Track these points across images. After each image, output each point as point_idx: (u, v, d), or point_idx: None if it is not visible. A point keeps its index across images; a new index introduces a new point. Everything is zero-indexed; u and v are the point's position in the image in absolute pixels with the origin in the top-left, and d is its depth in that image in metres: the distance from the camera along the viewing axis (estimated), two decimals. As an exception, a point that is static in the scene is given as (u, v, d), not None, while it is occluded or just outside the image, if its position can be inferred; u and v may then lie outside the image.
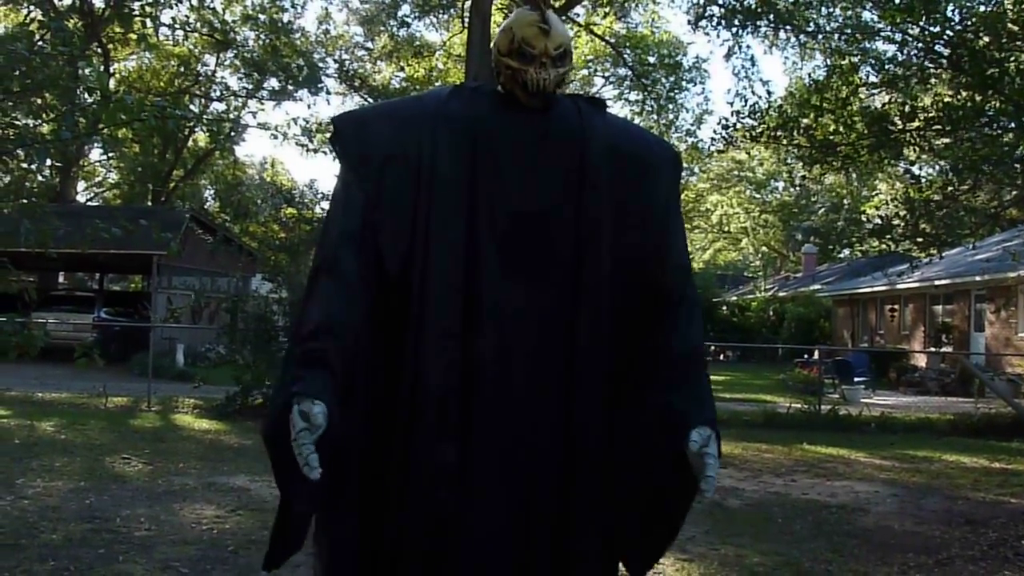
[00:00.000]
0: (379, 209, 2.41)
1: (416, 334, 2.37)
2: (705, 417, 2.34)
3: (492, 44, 2.57)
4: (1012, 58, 10.54)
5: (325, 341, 2.24)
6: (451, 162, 2.43)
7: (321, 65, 33.60)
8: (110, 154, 37.19)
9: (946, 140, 11.90)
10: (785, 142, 12.92)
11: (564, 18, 25.91)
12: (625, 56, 30.01)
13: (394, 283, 2.39)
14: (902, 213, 12.42)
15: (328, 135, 2.70)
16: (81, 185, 40.82)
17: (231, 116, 34.07)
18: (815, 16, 14.74)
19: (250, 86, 34.24)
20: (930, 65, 11.90)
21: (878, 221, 13.38)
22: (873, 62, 13.13)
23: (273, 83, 33.54)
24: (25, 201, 9.70)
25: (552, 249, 2.46)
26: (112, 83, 26.81)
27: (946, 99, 11.48)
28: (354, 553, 2.42)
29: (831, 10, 14.39)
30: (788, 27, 14.28)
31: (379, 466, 2.39)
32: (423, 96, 2.70)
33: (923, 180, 13.62)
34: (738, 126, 13.15)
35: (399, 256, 2.40)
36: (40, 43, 9.34)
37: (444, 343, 2.37)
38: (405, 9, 31.33)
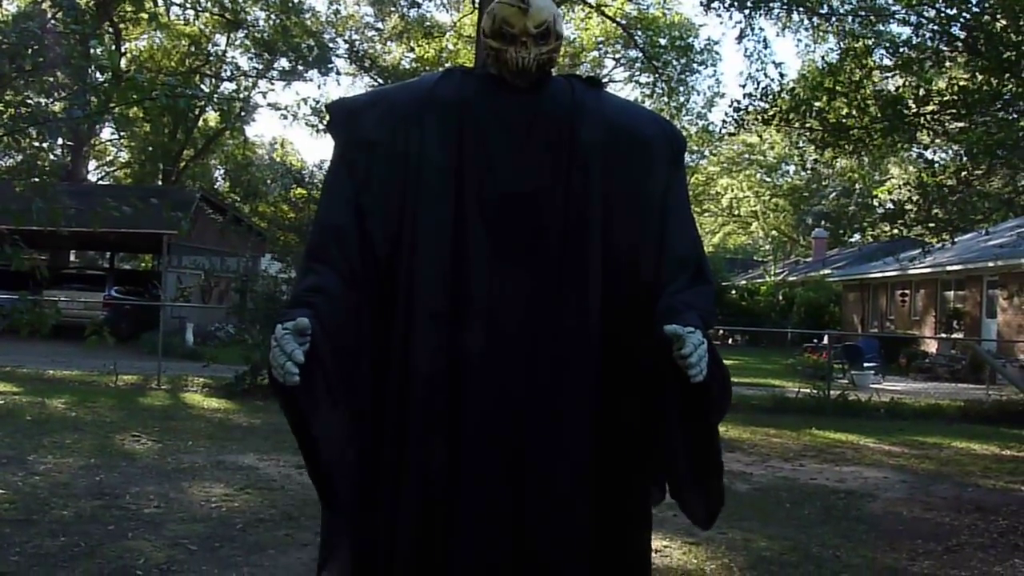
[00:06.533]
0: (368, 194, 2.40)
1: (404, 319, 2.35)
2: (688, 320, 2.18)
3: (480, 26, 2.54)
4: (1029, 42, 10.45)
5: (313, 296, 2.24)
6: (438, 145, 2.41)
7: (331, 45, 33.53)
8: (121, 133, 37.34)
9: (961, 124, 11.82)
10: (797, 125, 12.86)
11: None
12: (636, 38, 29.81)
13: (383, 268, 2.38)
14: (915, 198, 12.37)
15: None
16: (92, 164, 40.97)
17: (241, 96, 34.04)
18: (829, -2, 14.62)
19: (260, 66, 34.31)
20: (945, 48, 11.80)
21: (890, 206, 13.34)
22: (887, 45, 13.04)
23: (283, 63, 33.60)
24: (37, 180, 9.73)
25: (540, 231, 2.41)
26: (123, 62, 26.77)
27: (961, 83, 11.40)
28: (348, 551, 2.41)
29: (845, -9, 14.28)
30: (801, 9, 14.15)
31: (374, 461, 2.37)
32: (415, 81, 2.68)
33: (937, 165, 13.55)
34: (750, 109, 13.10)
35: (387, 241, 2.38)
36: (52, 22, 9.34)
37: (431, 327, 2.34)
38: (416, -11, 31.25)
